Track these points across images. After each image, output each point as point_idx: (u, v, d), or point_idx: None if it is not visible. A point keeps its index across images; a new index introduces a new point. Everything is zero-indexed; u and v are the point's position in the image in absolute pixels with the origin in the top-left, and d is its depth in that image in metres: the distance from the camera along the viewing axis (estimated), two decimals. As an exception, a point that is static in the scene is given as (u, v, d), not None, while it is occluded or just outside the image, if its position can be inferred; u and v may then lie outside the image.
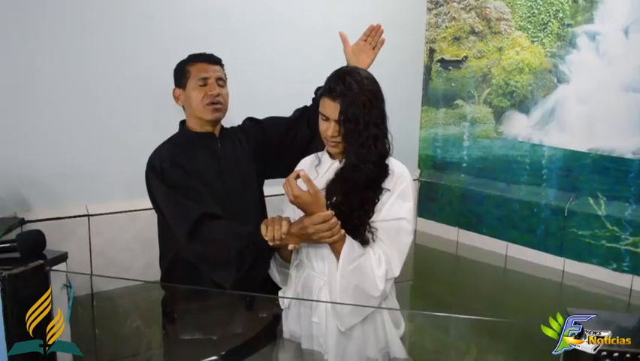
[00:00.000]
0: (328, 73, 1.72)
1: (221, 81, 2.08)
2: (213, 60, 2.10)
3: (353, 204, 1.68)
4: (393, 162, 1.75)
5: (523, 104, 3.50)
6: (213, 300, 2.12)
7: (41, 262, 1.53)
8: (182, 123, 2.13)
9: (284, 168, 1.93)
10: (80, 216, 2.60)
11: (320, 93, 1.73)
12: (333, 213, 1.60)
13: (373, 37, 2.10)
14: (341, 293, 1.64)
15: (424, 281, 3.43)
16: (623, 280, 3.02)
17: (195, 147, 2.04)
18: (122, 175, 2.70)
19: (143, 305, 2.40)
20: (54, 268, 1.58)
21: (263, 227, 1.65)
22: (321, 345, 1.77)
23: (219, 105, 2.04)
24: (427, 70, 4.06)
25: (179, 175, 1.93)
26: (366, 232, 1.67)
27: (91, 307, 2.40)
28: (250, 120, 2.26)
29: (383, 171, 1.72)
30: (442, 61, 3.96)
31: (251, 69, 3.05)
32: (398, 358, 1.82)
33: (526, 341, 1.84)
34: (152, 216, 2.14)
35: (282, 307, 1.89)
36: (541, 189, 3.42)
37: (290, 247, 1.66)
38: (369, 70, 1.90)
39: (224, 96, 2.07)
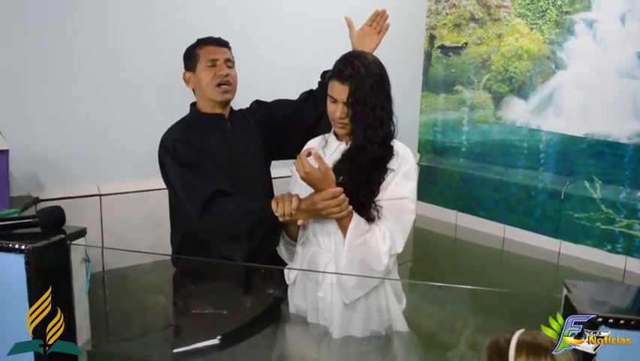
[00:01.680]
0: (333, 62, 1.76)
1: (230, 62, 2.13)
2: (221, 43, 2.15)
3: (359, 184, 1.73)
4: (397, 144, 1.81)
5: (521, 90, 3.55)
6: (223, 277, 2.17)
7: (62, 236, 1.59)
8: (193, 105, 2.18)
9: (290, 149, 1.98)
10: (91, 195, 2.65)
11: (328, 76, 1.77)
12: (342, 189, 1.66)
13: (378, 22, 2.13)
14: (347, 268, 1.70)
15: (424, 263, 3.47)
16: (616, 260, 3.09)
17: (206, 127, 2.09)
18: (133, 156, 2.75)
19: (155, 282, 2.44)
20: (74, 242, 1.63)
21: (273, 203, 1.72)
22: (326, 319, 1.83)
23: (228, 86, 2.09)
24: (428, 56, 4.10)
25: (190, 154, 1.99)
26: (372, 210, 1.73)
27: (102, 282, 2.46)
28: (257, 103, 2.30)
29: (388, 152, 1.77)
30: (442, 47, 3.99)
31: (257, 62, 3.06)
32: (400, 331, 1.89)
33: (522, 312, 1.90)
34: (161, 196, 2.20)
35: (288, 283, 1.94)
36: (538, 172, 3.48)
37: (299, 222, 1.73)
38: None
39: (233, 77, 2.12)
